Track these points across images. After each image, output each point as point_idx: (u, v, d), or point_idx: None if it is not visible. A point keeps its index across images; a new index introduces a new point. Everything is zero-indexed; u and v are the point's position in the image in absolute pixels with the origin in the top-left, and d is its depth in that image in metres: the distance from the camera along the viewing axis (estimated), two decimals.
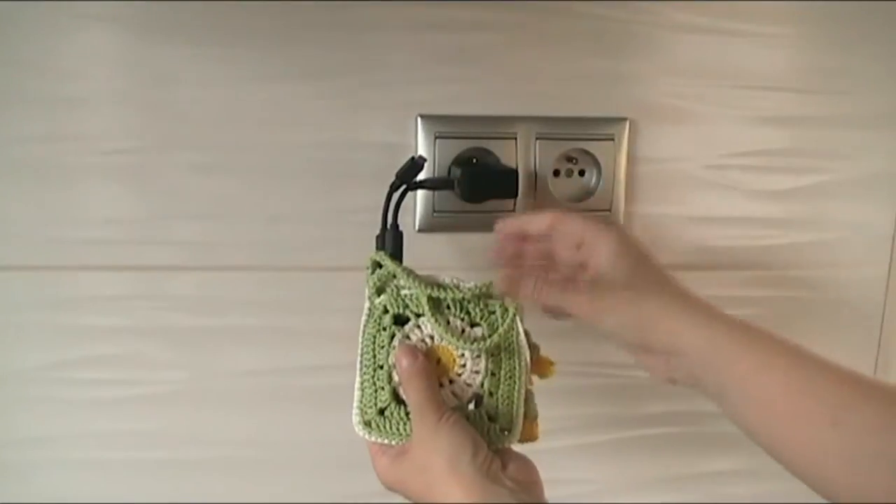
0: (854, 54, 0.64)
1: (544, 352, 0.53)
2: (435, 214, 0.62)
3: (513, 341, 0.52)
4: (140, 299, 0.62)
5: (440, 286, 0.51)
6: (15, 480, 0.64)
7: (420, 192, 0.61)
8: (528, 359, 0.52)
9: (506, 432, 0.51)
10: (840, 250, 0.68)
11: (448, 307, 0.51)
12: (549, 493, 0.46)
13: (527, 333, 0.52)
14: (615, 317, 0.49)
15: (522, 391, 0.52)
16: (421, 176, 0.60)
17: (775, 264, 0.67)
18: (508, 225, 0.54)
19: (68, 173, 0.59)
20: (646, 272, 0.50)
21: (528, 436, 0.53)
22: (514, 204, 0.62)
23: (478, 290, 0.51)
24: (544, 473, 0.46)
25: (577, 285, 0.51)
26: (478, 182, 0.59)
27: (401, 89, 0.61)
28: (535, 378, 0.53)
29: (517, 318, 0.51)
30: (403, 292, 0.51)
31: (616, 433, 0.70)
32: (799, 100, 0.64)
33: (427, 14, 0.59)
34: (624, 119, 0.63)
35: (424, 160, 0.57)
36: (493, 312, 0.51)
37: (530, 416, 0.53)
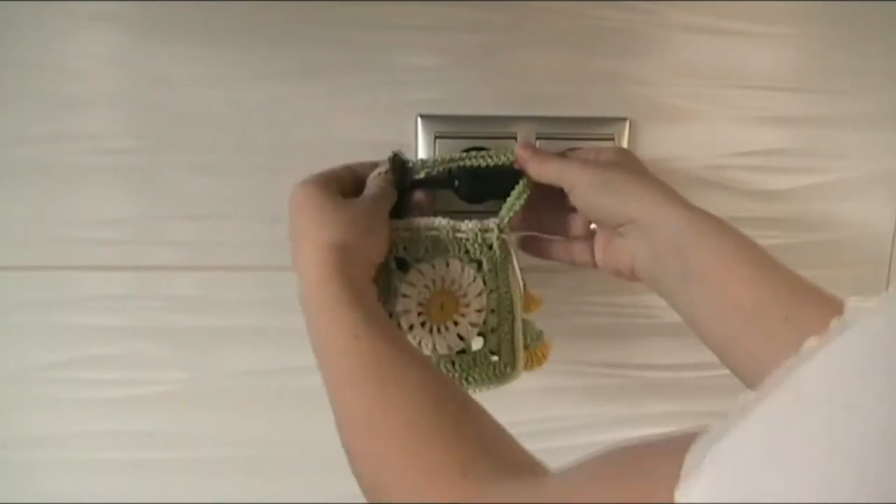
0: (854, 54, 0.64)
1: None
2: (435, 214, 0.62)
3: (509, 272, 0.52)
4: (140, 299, 0.62)
5: (436, 227, 0.53)
6: (15, 480, 0.65)
7: (420, 192, 0.61)
8: (522, 288, 0.53)
9: (508, 367, 0.52)
10: (840, 250, 0.68)
11: (447, 248, 0.52)
12: None
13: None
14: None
15: (520, 323, 0.53)
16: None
17: None
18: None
19: (68, 173, 0.59)
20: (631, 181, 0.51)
21: (534, 361, 0.54)
22: None
23: (498, 158, 0.54)
24: None
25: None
26: (478, 182, 0.59)
27: (401, 89, 0.61)
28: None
29: (511, 249, 0.53)
30: (402, 234, 0.52)
31: (616, 433, 0.70)
32: (799, 100, 0.64)
33: (427, 14, 0.59)
34: (624, 119, 0.63)
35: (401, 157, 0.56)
36: (491, 246, 0.52)
37: (531, 344, 0.53)
